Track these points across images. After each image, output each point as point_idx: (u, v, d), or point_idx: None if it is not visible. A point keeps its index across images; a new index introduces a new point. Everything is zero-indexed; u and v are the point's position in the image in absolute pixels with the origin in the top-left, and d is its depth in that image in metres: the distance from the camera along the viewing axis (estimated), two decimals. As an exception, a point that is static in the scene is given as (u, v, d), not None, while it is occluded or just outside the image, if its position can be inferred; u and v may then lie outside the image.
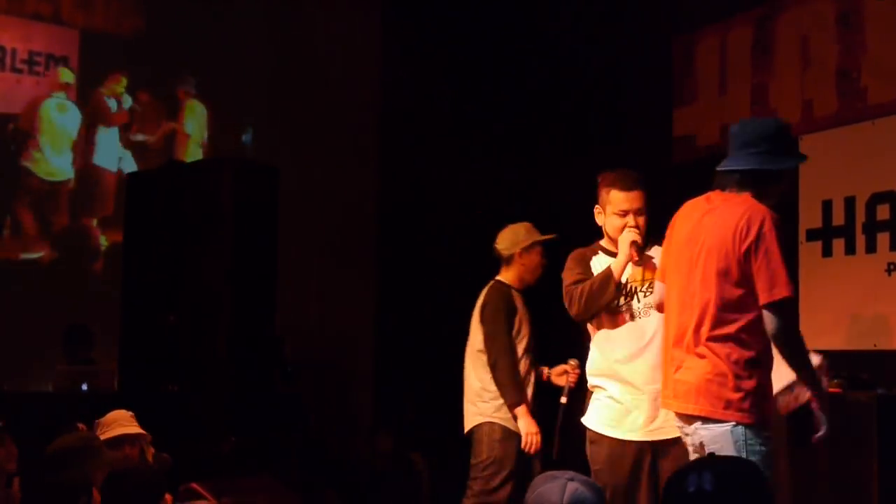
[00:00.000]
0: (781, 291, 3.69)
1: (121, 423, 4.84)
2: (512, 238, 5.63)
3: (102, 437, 4.66)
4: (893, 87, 5.88)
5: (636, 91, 7.44)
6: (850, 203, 5.95)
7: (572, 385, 5.24)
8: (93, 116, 8.46)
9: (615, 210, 4.62)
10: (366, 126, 8.65)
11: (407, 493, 7.34)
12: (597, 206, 4.73)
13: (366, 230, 8.56)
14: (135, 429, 4.86)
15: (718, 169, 3.96)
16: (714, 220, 3.86)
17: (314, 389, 7.64)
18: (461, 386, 5.76)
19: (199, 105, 8.81)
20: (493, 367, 5.47)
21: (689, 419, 3.87)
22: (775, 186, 3.94)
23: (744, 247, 3.73)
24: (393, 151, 8.57)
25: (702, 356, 3.80)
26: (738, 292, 3.75)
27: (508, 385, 5.42)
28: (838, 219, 6.04)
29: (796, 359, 3.78)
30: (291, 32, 8.83)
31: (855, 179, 5.91)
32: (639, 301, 4.57)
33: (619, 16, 7.47)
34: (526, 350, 5.53)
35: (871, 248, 5.88)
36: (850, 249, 5.98)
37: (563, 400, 5.23)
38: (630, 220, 4.58)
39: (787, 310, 3.74)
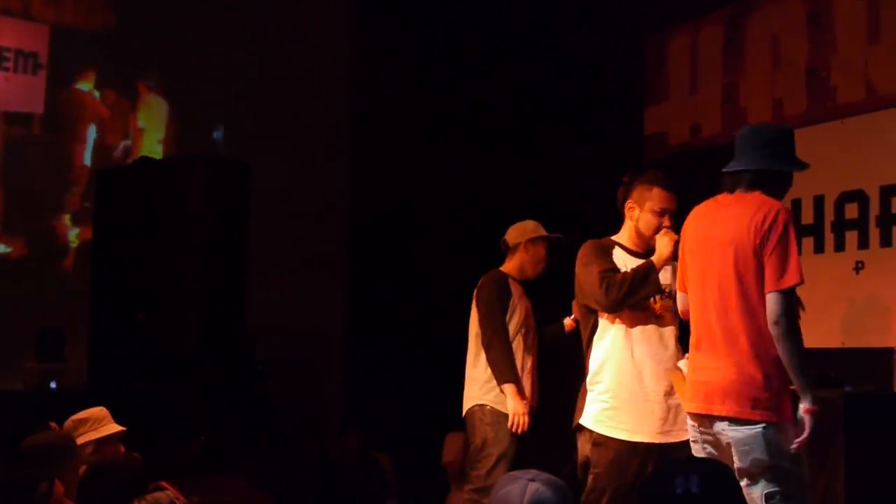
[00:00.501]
0: (792, 279, 3.73)
1: (108, 419, 4.81)
2: (521, 229, 5.73)
3: (98, 435, 4.62)
4: (862, 86, 5.92)
5: (608, 90, 7.46)
6: (818, 202, 5.99)
7: None
8: (74, 112, 8.41)
9: (655, 207, 4.55)
10: (338, 125, 8.62)
11: (372, 493, 7.33)
12: (629, 201, 4.64)
13: (337, 229, 8.54)
14: (119, 426, 4.84)
15: (727, 171, 3.97)
16: (727, 219, 3.89)
17: (284, 389, 7.62)
18: (431, 385, 5.78)
19: (159, 100, 8.74)
20: (487, 346, 5.50)
21: (711, 420, 3.85)
22: (782, 188, 4.00)
23: (758, 239, 3.76)
24: (365, 150, 8.56)
25: (725, 355, 3.81)
26: (758, 287, 3.77)
27: (501, 363, 5.43)
28: (807, 217, 6.07)
29: (793, 353, 3.74)
30: (265, 29, 8.78)
31: (824, 178, 5.93)
32: (655, 302, 4.52)
33: (592, 15, 7.49)
34: (518, 333, 5.56)
35: (839, 246, 5.92)
36: (819, 248, 6.02)
37: None
38: (666, 220, 4.54)
39: (791, 300, 3.77)
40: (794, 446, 3.76)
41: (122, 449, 4.87)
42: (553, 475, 2.54)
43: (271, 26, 8.71)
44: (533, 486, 2.46)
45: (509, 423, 5.38)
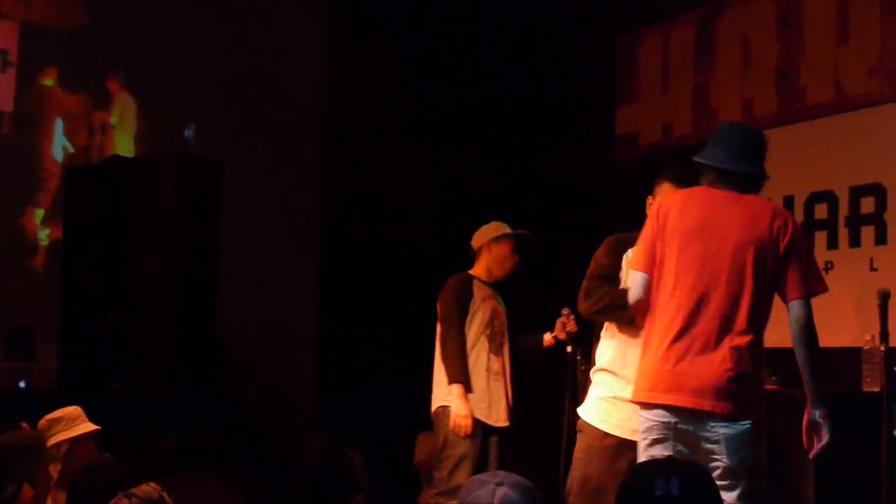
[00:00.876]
0: (822, 285, 3.81)
1: (83, 418, 4.79)
2: (483, 231, 5.78)
3: (72, 434, 4.59)
4: (832, 87, 5.95)
5: (580, 89, 7.47)
6: (788, 202, 6.00)
7: (573, 331, 5.24)
8: (44, 110, 8.35)
9: None
10: (310, 123, 8.61)
11: (341, 490, 7.32)
12: (650, 196, 4.60)
13: (310, 228, 8.53)
14: (94, 425, 4.81)
15: (724, 167, 3.90)
16: (736, 217, 3.83)
17: (256, 388, 7.60)
18: (404, 385, 5.78)
19: (129, 98, 8.69)
20: (443, 345, 5.55)
21: (696, 415, 3.76)
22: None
23: (783, 244, 3.77)
24: (338, 149, 8.55)
25: (718, 350, 3.76)
26: (769, 289, 3.80)
27: (452, 362, 5.46)
28: (777, 218, 6.09)
29: (817, 358, 3.79)
30: (237, 28, 8.75)
31: (793, 179, 5.97)
32: None
33: (564, 15, 7.50)
34: (482, 335, 5.56)
35: (808, 246, 5.95)
36: (789, 248, 6.04)
37: (570, 349, 5.22)
38: None
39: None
40: (815, 451, 3.82)
41: (95, 449, 4.85)
42: (522, 477, 2.52)
43: (244, 25, 8.68)
44: (501, 491, 2.41)
45: (450, 425, 5.39)
